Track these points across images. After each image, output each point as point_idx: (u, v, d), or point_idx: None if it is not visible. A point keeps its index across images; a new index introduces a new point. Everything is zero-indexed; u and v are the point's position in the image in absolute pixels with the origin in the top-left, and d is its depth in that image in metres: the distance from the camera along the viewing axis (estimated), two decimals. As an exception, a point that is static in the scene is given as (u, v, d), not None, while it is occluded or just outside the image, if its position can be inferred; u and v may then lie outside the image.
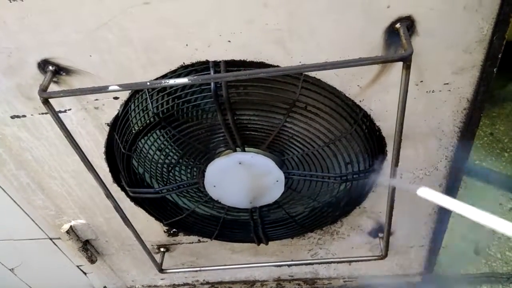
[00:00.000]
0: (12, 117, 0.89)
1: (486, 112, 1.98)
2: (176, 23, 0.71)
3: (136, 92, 0.85)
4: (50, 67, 0.78)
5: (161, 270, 1.24)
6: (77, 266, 1.43)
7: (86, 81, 0.80)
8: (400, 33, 0.69)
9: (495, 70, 0.77)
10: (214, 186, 0.96)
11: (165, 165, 0.95)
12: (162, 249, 1.29)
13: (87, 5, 0.68)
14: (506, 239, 1.50)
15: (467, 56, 0.75)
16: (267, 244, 1.14)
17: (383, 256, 1.12)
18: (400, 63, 0.68)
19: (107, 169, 1.00)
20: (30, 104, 0.86)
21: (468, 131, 0.88)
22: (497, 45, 0.73)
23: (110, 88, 0.71)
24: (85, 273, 1.46)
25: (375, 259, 1.15)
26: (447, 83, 0.79)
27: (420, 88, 0.80)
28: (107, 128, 0.91)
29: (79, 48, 0.75)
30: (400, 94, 0.71)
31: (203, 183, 0.95)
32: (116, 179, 1.04)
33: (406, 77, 0.68)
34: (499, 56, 0.75)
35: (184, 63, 0.77)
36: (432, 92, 0.81)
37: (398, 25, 0.69)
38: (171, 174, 0.98)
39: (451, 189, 1.02)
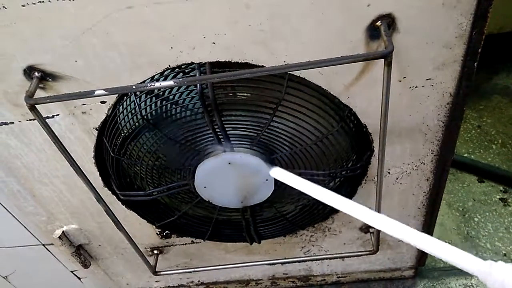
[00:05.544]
0: (0, 124, 0.89)
1: (473, 105, 2.00)
2: (160, 26, 0.71)
3: (123, 96, 0.86)
4: (36, 74, 0.78)
5: (155, 273, 1.24)
6: (71, 271, 1.42)
7: (73, 86, 0.80)
8: (380, 31, 0.70)
9: (475, 64, 0.78)
10: (205, 187, 0.96)
11: (154, 168, 0.95)
12: (155, 252, 1.29)
13: (70, 11, 0.69)
14: (495, 229, 1.52)
15: (447, 52, 0.76)
16: (259, 243, 1.15)
17: (375, 251, 1.13)
18: (382, 60, 0.69)
19: (97, 173, 1.00)
20: (17, 110, 0.86)
21: (452, 125, 0.89)
22: (477, 39, 0.74)
23: (96, 92, 0.71)
24: (79, 278, 1.46)
25: (366, 254, 1.17)
26: (430, 79, 0.80)
27: (403, 84, 0.81)
28: (95, 133, 0.91)
29: (64, 54, 0.75)
30: (383, 90, 0.72)
31: (193, 184, 0.96)
32: (107, 183, 1.04)
33: (387, 74, 0.70)
34: (479, 51, 0.76)
35: (169, 65, 0.78)
36: (416, 87, 0.82)
37: (379, 23, 0.70)
38: (161, 176, 0.98)
39: (438, 183, 1.04)
